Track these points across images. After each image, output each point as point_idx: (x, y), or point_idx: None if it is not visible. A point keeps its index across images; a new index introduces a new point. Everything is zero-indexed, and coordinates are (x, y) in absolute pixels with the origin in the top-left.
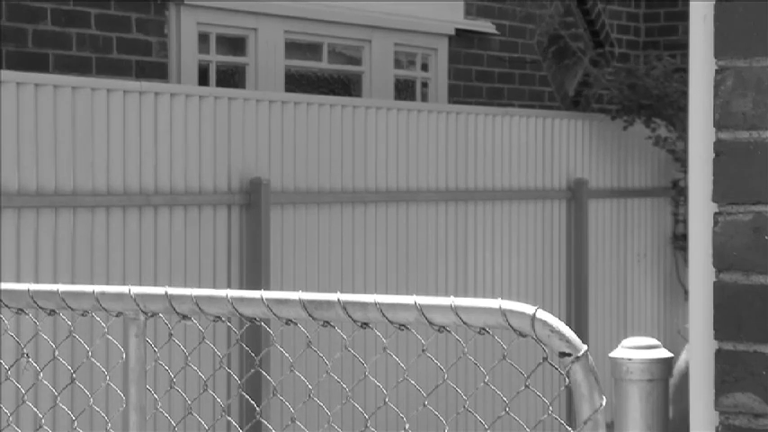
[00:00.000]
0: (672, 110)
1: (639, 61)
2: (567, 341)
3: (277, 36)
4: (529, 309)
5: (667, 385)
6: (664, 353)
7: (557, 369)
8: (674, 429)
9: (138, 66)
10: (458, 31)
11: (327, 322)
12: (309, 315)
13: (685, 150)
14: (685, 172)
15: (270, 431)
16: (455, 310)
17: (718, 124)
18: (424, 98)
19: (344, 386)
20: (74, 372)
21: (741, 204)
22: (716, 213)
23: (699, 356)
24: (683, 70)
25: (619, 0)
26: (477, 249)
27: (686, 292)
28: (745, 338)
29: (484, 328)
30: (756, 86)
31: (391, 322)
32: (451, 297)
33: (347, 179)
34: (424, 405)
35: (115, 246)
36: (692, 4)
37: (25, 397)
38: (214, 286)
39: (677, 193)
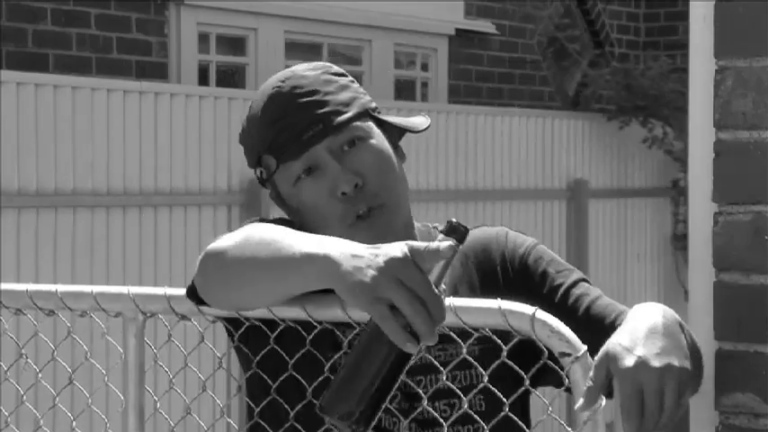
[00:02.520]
0: (668, 110)
1: (640, 61)
2: (567, 341)
3: (277, 36)
4: (528, 309)
5: None
6: None
7: (556, 369)
8: None
9: (138, 66)
10: (458, 31)
11: (326, 323)
12: (309, 315)
13: (685, 150)
14: (685, 172)
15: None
16: (455, 310)
17: (718, 124)
18: (424, 98)
19: None
20: (73, 372)
21: (741, 204)
22: (716, 213)
23: None
24: (682, 70)
25: (619, 0)
26: None
27: (686, 292)
28: (745, 338)
29: (483, 329)
30: (756, 86)
31: None
32: (451, 297)
33: None
34: (424, 405)
35: (115, 246)
36: (691, 4)
37: (24, 397)
38: None
39: (677, 193)
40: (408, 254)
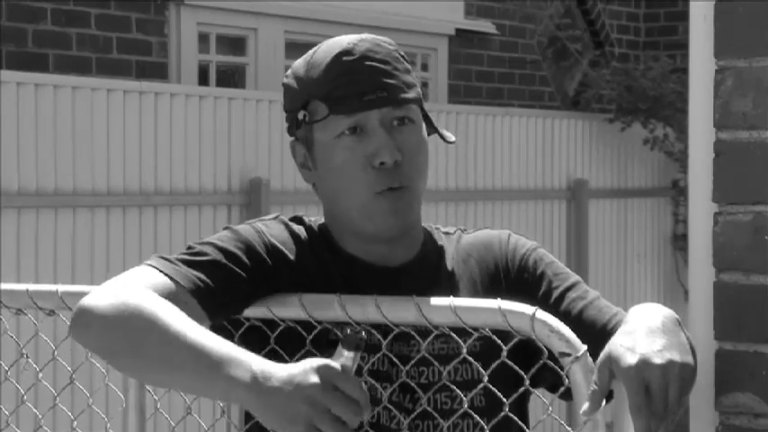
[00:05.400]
0: (669, 111)
1: (640, 61)
2: (567, 341)
3: (277, 36)
4: (528, 309)
5: None
6: None
7: (556, 369)
8: None
9: (138, 66)
10: (458, 31)
11: (326, 323)
12: (309, 315)
13: (685, 150)
14: (685, 172)
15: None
16: (454, 310)
17: (718, 124)
18: (425, 98)
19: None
20: (73, 372)
21: (741, 204)
22: (716, 213)
23: (699, 356)
24: (682, 70)
25: (619, 0)
26: None
27: (686, 292)
28: (745, 338)
29: (483, 328)
30: (756, 86)
31: (390, 322)
32: (451, 297)
33: None
34: (423, 405)
35: (115, 246)
36: (691, 4)
37: (25, 397)
38: None
39: (677, 193)
40: (321, 380)
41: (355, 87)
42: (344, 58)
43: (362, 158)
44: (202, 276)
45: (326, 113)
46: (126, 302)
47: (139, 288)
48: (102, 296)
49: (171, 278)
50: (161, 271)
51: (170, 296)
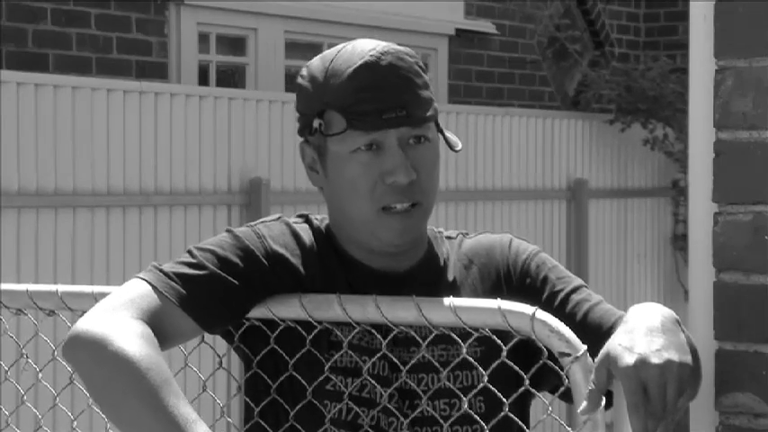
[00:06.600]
0: (669, 111)
1: (640, 61)
2: (567, 341)
3: (277, 36)
4: (528, 309)
5: None
6: None
7: (556, 369)
8: None
9: (138, 66)
10: (458, 31)
11: (326, 323)
12: (309, 315)
13: (685, 151)
14: (685, 172)
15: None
16: (454, 309)
17: (718, 124)
18: None
19: (343, 387)
20: (73, 372)
21: (741, 204)
22: (716, 213)
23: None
24: (682, 70)
25: (619, 0)
26: None
27: (686, 292)
28: (745, 338)
29: (483, 328)
30: (756, 86)
31: (390, 322)
32: (451, 297)
33: None
34: (422, 406)
35: (115, 246)
36: (691, 4)
37: (24, 397)
38: None
39: (677, 193)
40: None
41: (376, 104)
42: (367, 71)
43: (376, 175)
44: (198, 291)
45: (344, 128)
46: (108, 346)
47: (128, 326)
48: (92, 325)
49: (165, 295)
50: (155, 287)
51: (163, 315)
